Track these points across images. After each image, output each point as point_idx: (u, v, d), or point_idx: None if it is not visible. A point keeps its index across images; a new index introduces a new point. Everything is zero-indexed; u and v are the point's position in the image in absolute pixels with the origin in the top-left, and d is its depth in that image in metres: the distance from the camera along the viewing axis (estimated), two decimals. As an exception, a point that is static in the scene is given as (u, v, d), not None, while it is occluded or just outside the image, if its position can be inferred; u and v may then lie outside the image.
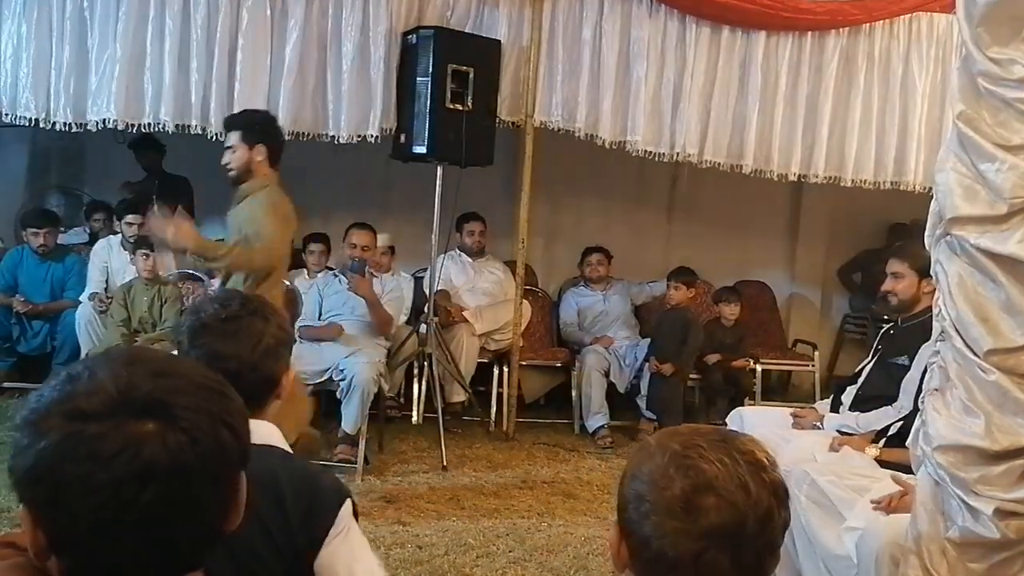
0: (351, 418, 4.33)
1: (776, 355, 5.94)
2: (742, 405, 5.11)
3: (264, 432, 1.53)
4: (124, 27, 4.48)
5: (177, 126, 4.54)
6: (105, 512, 0.81)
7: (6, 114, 4.41)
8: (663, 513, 1.05)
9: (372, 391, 4.35)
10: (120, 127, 4.58)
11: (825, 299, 7.00)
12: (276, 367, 1.56)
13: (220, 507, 0.90)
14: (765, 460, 1.12)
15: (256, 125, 3.55)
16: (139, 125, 4.58)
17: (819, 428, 3.54)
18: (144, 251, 4.76)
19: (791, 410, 3.84)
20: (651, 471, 1.08)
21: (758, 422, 3.73)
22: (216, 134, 4.47)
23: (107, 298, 4.96)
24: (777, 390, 6.23)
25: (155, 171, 5.76)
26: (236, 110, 4.56)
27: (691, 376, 5.39)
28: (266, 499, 1.41)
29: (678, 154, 5.10)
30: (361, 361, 4.36)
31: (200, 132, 4.61)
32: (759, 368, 5.54)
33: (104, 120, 4.49)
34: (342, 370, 4.32)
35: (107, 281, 5.12)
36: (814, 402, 5.35)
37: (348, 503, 1.55)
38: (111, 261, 5.09)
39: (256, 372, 1.52)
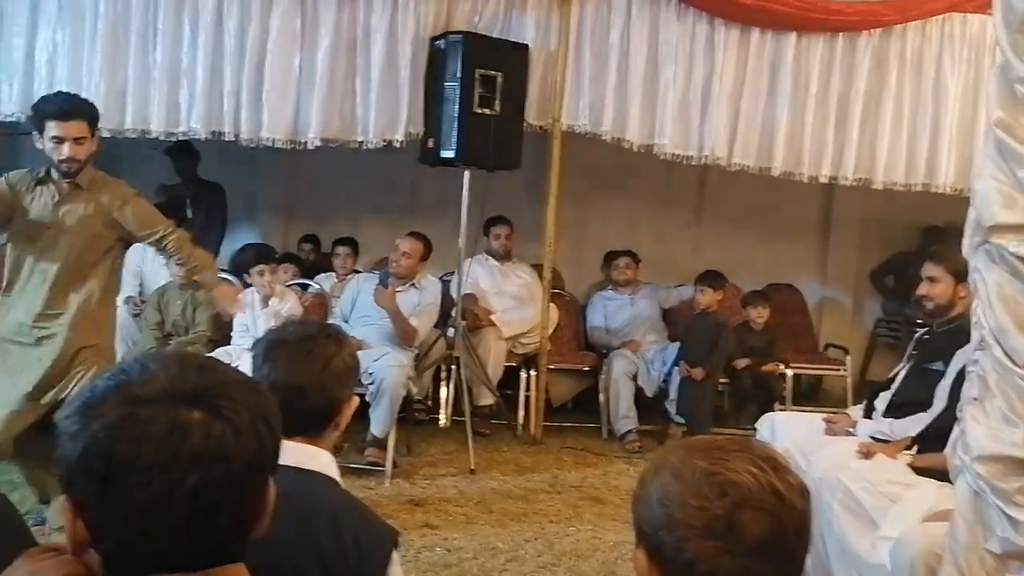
0: (380, 421, 4.35)
1: (807, 359, 5.88)
2: (772, 410, 5.07)
3: (323, 462, 1.58)
4: (161, 36, 4.56)
5: (211, 133, 4.59)
6: (152, 492, 0.85)
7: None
8: (704, 535, 1.02)
9: (401, 394, 4.37)
10: (158, 136, 4.64)
11: (857, 302, 6.93)
12: (340, 392, 1.61)
13: (254, 503, 0.93)
14: (785, 463, 1.11)
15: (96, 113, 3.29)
16: (174, 133, 4.65)
17: (852, 434, 3.50)
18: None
19: (823, 416, 3.80)
20: (681, 493, 1.05)
21: (790, 428, 3.70)
22: (248, 141, 4.52)
23: (141, 302, 5.02)
24: (808, 395, 6.16)
25: (190, 177, 5.82)
26: (266, 117, 4.63)
27: (721, 381, 5.36)
28: (324, 528, 1.45)
29: (706, 157, 5.07)
30: (390, 365, 4.38)
31: (233, 139, 4.66)
32: (789, 373, 5.49)
33: (142, 130, 4.57)
34: (371, 374, 4.34)
35: (141, 285, 5.18)
36: (846, 407, 5.30)
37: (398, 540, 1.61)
38: (144, 265, 5.14)
39: (321, 392, 1.57)
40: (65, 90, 3.48)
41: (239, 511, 0.91)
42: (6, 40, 4.55)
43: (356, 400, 1.70)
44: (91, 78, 4.51)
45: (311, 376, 1.56)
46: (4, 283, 3.23)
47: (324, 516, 1.46)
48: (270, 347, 1.60)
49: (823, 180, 5.20)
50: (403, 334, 4.71)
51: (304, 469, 1.48)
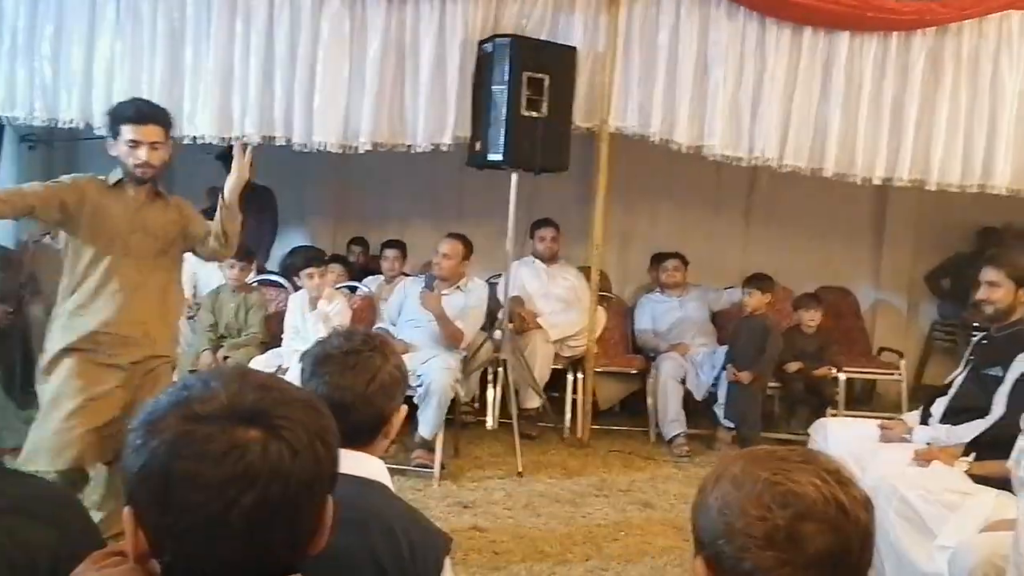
0: (428, 424, 4.37)
1: (860, 363, 5.78)
2: (824, 415, 5.00)
3: (374, 468, 1.59)
4: (215, 44, 4.64)
5: (262, 138, 4.67)
6: (209, 509, 0.86)
7: (98, 127, 4.58)
8: (764, 545, 1.01)
9: (449, 397, 4.40)
10: (212, 142, 4.73)
11: (912, 305, 6.79)
12: (388, 405, 1.62)
13: (311, 521, 0.94)
14: (850, 475, 1.09)
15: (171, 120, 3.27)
16: (227, 139, 4.73)
17: (908, 441, 3.43)
18: (232, 259, 4.88)
19: (878, 422, 3.74)
20: (742, 502, 1.04)
21: (843, 434, 3.64)
22: (300, 146, 4.58)
23: (195, 304, 5.11)
24: (861, 400, 6.05)
25: (241, 182, 5.89)
26: (317, 122, 4.69)
27: (770, 384, 5.29)
28: (379, 533, 1.46)
29: (757, 158, 5.01)
30: (438, 368, 4.41)
31: (284, 144, 4.73)
32: (842, 377, 5.39)
33: (196, 137, 4.66)
34: (419, 376, 4.37)
35: (195, 287, 5.27)
36: (900, 412, 5.21)
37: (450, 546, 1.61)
38: (198, 268, 5.23)
39: (369, 407, 1.58)
40: (127, 97, 3.50)
41: (295, 529, 0.92)
42: (65, 49, 4.67)
43: (405, 410, 1.71)
44: (151, 86, 4.60)
45: (357, 391, 1.57)
46: (70, 291, 3.12)
47: (378, 523, 1.47)
48: (316, 362, 1.61)
49: (877, 181, 5.11)
50: (450, 337, 4.73)
51: (357, 476, 1.49)
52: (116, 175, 3.15)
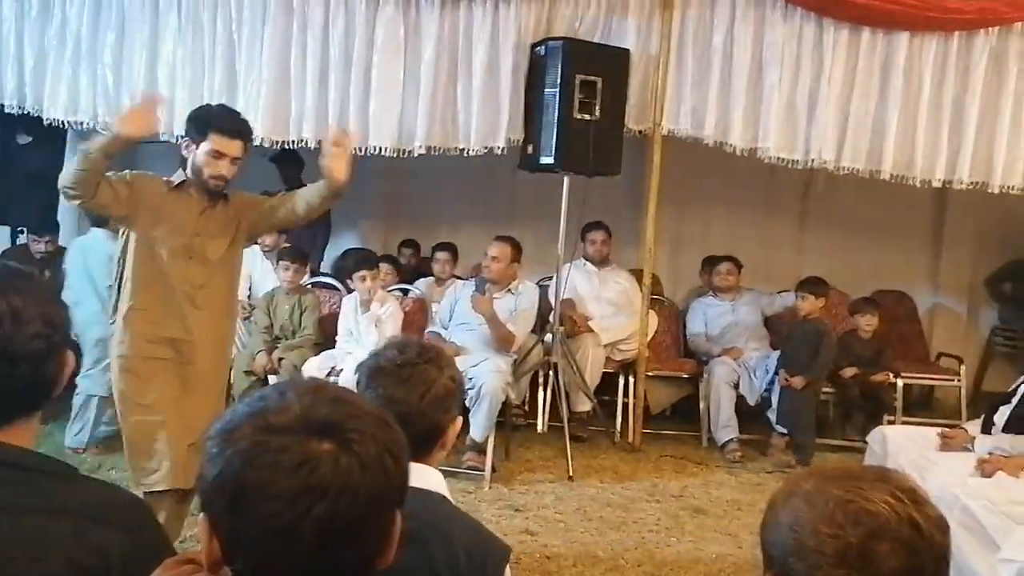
0: (480, 426, 4.39)
1: (918, 369, 5.67)
2: (880, 421, 4.92)
3: (433, 479, 1.60)
4: (269, 49, 4.71)
5: (318, 141, 4.72)
6: (280, 520, 0.87)
7: (163, 132, 4.68)
8: (836, 564, 1.00)
9: (500, 400, 4.41)
10: (267, 144, 4.80)
11: (972, 310, 6.65)
12: (442, 417, 1.62)
13: (379, 535, 0.95)
14: (925, 495, 1.07)
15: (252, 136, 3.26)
16: (283, 142, 4.80)
17: (970, 450, 3.36)
18: (286, 261, 4.96)
19: (938, 430, 3.66)
20: (814, 519, 1.03)
21: (902, 442, 3.58)
22: (356, 149, 4.62)
23: (249, 305, 5.19)
24: (919, 406, 5.93)
25: (294, 184, 5.96)
26: (372, 126, 4.73)
27: (824, 390, 5.21)
28: (438, 545, 1.47)
29: (813, 160, 4.95)
30: (489, 370, 4.42)
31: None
32: (900, 383, 5.29)
33: (255, 141, 4.73)
34: (471, 379, 4.38)
35: (249, 289, 5.35)
36: (959, 419, 5.11)
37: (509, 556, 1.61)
38: (253, 269, 5.32)
39: (423, 419, 1.58)
40: (188, 104, 3.49)
41: (364, 543, 0.93)
42: (127, 56, 4.79)
43: (460, 421, 1.71)
44: (210, 90, 4.69)
45: (412, 403, 1.57)
46: (131, 295, 3.03)
47: (437, 533, 1.47)
48: (370, 374, 1.62)
49: (937, 184, 5.00)
50: (501, 340, 4.75)
51: (415, 487, 1.51)
52: (180, 176, 3.08)
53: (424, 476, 1.57)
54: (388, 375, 1.60)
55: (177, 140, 4.56)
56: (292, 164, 5.91)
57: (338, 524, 0.89)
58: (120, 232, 3.10)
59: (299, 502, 0.87)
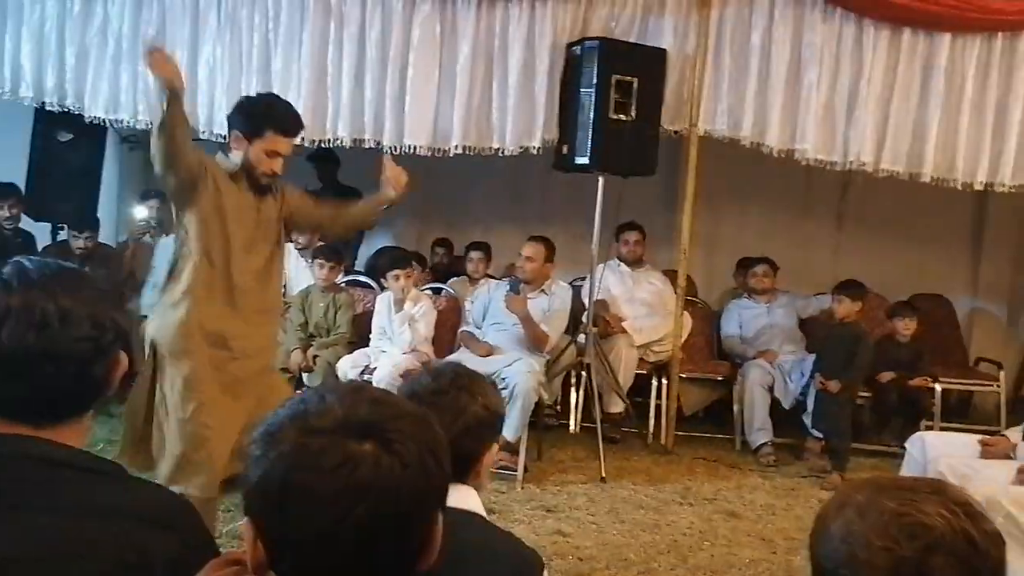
0: (512, 426, 4.38)
1: (957, 374, 5.58)
2: (918, 427, 4.84)
3: (471, 502, 1.60)
4: (307, 49, 4.75)
5: (353, 140, 4.75)
6: (323, 521, 0.88)
7: (203, 131, 4.73)
8: None
9: (533, 400, 4.40)
10: (305, 143, 4.82)
11: (1012, 314, 6.53)
12: (474, 446, 1.62)
13: (421, 535, 0.95)
14: (981, 509, 1.05)
15: None
16: (318, 141, 4.83)
17: (1011, 458, 3.30)
18: (321, 259, 4.99)
19: (979, 437, 3.60)
20: (867, 532, 1.01)
21: (942, 449, 3.53)
22: (391, 149, 4.65)
23: (285, 303, 5.22)
24: (957, 411, 5.83)
25: (330, 183, 6.03)
26: (408, 125, 4.74)
27: (861, 394, 5.14)
28: (471, 560, 1.46)
29: (851, 162, 4.88)
30: (522, 370, 4.42)
31: (374, 146, 4.80)
32: (938, 388, 5.20)
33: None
34: (504, 379, 4.39)
35: (284, 286, 5.39)
36: (998, 425, 5.02)
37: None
38: (288, 267, 5.34)
39: (453, 446, 1.58)
40: (226, 103, 3.50)
41: (405, 543, 0.93)
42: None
43: (496, 448, 1.71)
44: (248, 89, 4.69)
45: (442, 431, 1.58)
46: (184, 288, 2.90)
47: (470, 548, 1.46)
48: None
49: (979, 187, 4.92)
50: (534, 340, 4.74)
51: (451, 507, 1.50)
52: (232, 167, 2.97)
53: (465, 499, 1.57)
54: (420, 401, 1.58)
55: (217, 139, 4.63)
56: (329, 163, 5.95)
57: (380, 524, 0.89)
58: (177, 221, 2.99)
59: (340, 503, 0.88)
